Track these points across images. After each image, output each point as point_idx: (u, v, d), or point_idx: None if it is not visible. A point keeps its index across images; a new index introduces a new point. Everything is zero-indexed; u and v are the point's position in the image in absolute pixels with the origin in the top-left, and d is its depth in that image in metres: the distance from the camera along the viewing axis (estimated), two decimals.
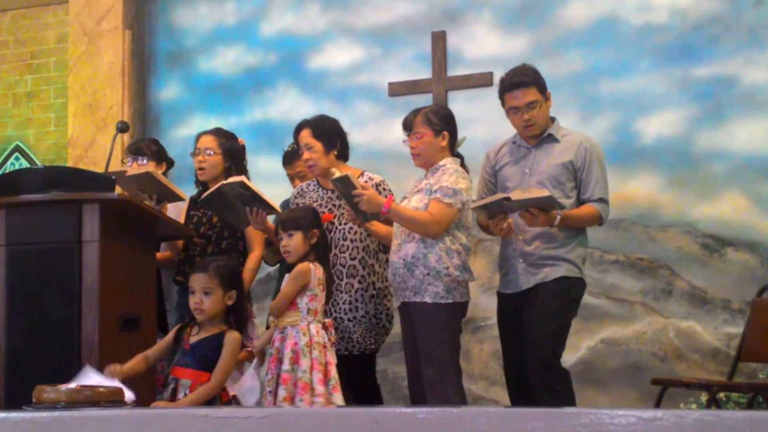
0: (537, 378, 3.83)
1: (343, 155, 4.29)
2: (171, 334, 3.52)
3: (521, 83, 3.96)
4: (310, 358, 3.65)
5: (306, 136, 4.23)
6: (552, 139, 4.02)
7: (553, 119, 4.07)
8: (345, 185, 3.86)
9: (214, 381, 3.37)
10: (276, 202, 4.16)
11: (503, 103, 4.04)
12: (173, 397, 3.38)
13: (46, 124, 6.60)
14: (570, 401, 3.81)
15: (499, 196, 3.83)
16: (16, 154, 6.65)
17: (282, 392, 3.62)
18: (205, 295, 3.44)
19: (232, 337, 3.44)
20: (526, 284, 3.93)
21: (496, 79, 5.49)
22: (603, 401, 4.95)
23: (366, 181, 4.15)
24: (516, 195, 3.77)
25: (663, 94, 5.24)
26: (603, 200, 3.95)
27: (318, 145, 4.20)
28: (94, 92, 6.26)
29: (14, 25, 6.72)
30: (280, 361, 3.68)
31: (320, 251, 3.88)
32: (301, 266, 3.78)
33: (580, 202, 3.97)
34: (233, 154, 4.39)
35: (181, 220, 4.41)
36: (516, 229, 3.92)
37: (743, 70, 5.12)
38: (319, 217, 3.99)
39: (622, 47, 5.35)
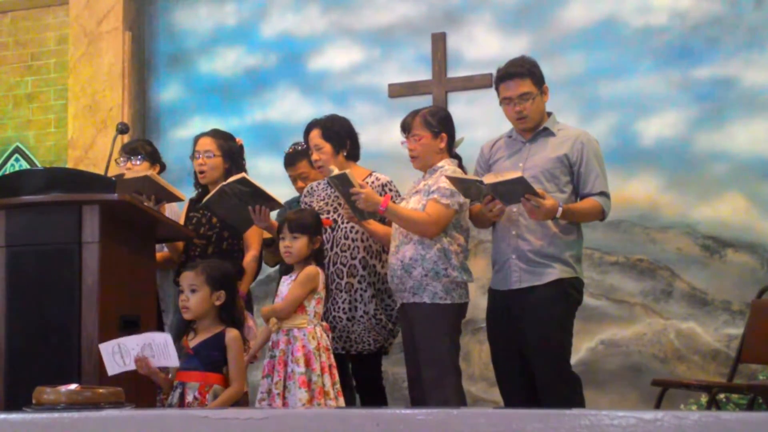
0: (550, 388, 3.78)
1: (353, 156, 4.29)
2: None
3: (515, 74, 3.90)
4: (320, 361, 3.69)
5: (315, 136, 4.24)
6: (548, 132, 3.95)
7: (549, 114, 4.00)
8: (343, 183, 3.86)
9: (237, 385, 3.40)
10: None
11: (498, 94, 3.98)
12: (182, 402, 3.38)
13: (46, 125, 6.60)
14: (581, 407, 3.76)
15: (474, 178, 3.78)
16: (16, 155, 6.64)
17: (304, 394, 3.62)
18: (191, 293, 3.45)
19: (232, 336, 3.45)
20: (518, 283, 3.85)
21: None
22: (603, 402, 4.95)
23: (373, 182, 4.16)
24: (488, 179, 3.69)
25: (663, 96, 5.24)
26: (604, 193, 3.87)
27: (327, 147, 4.21)
28: (94, 94, 6.26)
29: (14, 26, 6.72)
30: (285, 363, 3.69)
31: (320, 256, 3.92)
32: (309, 270, 3.80)
33: (580, 198, 3.89)
34: (232, 154, 4.40)
35: (181, 221, 4.41)
36: (510, 222, 3.87)
37: (743, 72, 5.12)
38: (322, 223, 4.01)
39: (622, 49, 5.35)
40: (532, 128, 3.96)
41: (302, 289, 3.76)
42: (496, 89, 3.98)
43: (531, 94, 3.89)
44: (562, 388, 3.78)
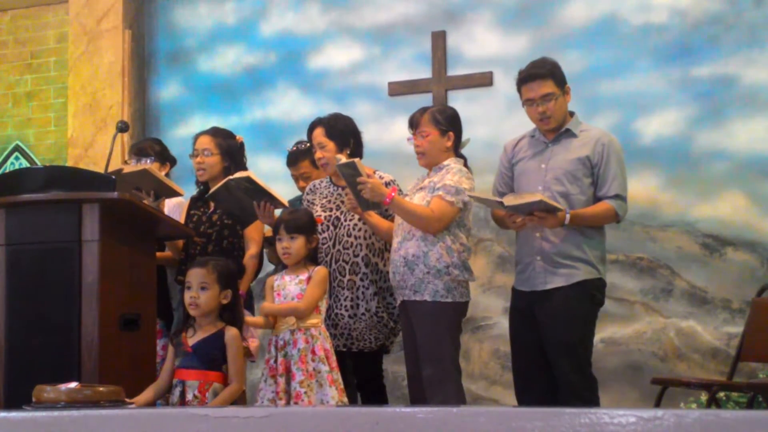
0: (570, 386, 3.79)
1: (357, 154, 4.29)
2: (169, 359, 3.53)
3: (537, 75, 3.89)
4: (333, 359, 3.78)
5: (319, 134, 4.24)
6: (570, 134, 3.94)
7: (572, 113, 3.99)
8: (351, 171, 3.88)
9: (237, 384, 3.43)
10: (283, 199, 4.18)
11: (520, 96, 3.96)
12: (182, 400, 3.38)
13: (46, 123, 6.60)
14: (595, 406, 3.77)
15: (495, 199, 3.83)
16: (16, 153, 6.64)
17: (335, 392, 3.69)
18: (201, 290, 3.46)
19: (232, 334, 3.46)
20: (543, 285, 3.86)
21: (496, 79, 5.56)
22: (603, 401, 4.93)
23: None
24: (508, 200, 3.73)
25: (663, 94, 5.24)
26: (619, 197, 3.86)
27: (330, 145, 4.21)
28: (94, 92, 6.26)
29: (14, 24, 6.72)
30: (306, 362, 3.72)
31: (315, 255, 3.96)
32: (322, 271, 3.85)
33: (597, 199, 3.89)
34: (231, 152, 4.40)
35: (182, 219, 4.41)
36: (534, 225, 3.86)
37: (743, 70, 5.11)
38: (316, 222, 4.03)
39: (621, 47, 5.35)
40: (556, 129, 3.95)
41: (320, 290, 3.81)
42: (518, 91, 3.97)
43: (553, 95, 3.88)
44: (583, 389, 3.80)
